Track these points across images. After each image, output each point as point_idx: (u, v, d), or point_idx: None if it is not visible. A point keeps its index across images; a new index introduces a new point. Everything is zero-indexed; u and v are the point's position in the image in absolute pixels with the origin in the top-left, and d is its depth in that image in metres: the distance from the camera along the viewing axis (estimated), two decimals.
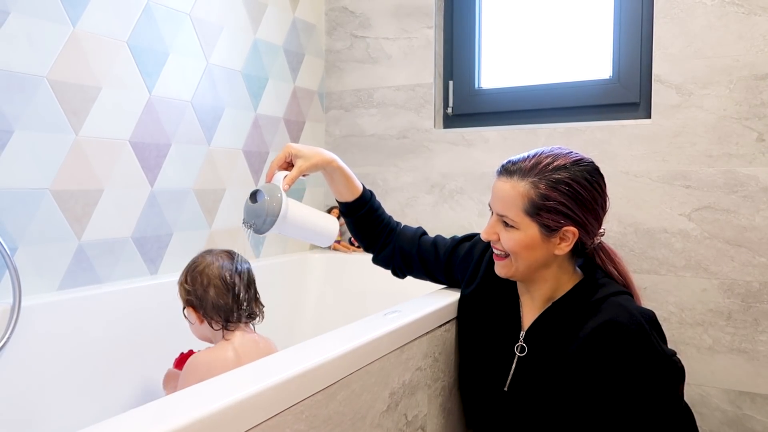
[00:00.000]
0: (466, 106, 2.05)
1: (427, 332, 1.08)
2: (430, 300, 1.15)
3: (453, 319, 1.18)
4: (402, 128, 2.09)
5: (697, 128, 1.62)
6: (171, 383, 1.23)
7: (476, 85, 2.04)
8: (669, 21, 1.65)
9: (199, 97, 1.69)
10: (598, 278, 1.00)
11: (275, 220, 1.02)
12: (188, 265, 1.20)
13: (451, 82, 2.07)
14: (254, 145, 1.91)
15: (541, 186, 0.93)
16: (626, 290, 0.99)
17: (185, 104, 1.65)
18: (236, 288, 1.17)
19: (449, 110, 2.08)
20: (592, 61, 1.87)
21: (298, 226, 1.07)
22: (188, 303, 1.18)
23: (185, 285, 1.18)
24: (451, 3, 2.07)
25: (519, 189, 0.94)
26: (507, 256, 1.00)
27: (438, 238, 1.26)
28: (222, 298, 1.15)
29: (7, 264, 1.17)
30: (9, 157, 1.24)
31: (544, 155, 0.96)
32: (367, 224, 1.25)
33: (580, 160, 0.96)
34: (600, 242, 1.03)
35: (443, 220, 2.02)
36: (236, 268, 1.18)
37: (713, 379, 1.61)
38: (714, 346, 1.61)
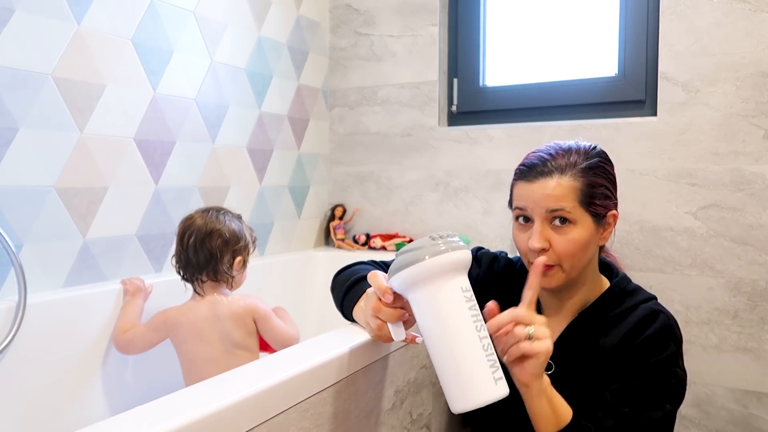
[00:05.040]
0: (471, 104, 2.05)
1: None
2: None
3: None
4: (406, 126, 2.09)
5: (703, 126, 1.61)
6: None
7: (481, 83, 2.04)
8: (675, 18, 1.64)
9: (203, 94, 1.69)
10: (625, 285, 0.97)
11: (418, 264, 0.69)
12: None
13: (455, 80, 2.07)
14: (258, 143, 1.90)
15: (583, 176, 0.90)
16: (653, 295, 0.97)
17: (189, 102, 1.65)
18: (187, 252, 1.27)
19: (454, 108, 2.07)
20: (598, 59, 1.86)
21: (434, 314, 0.70)
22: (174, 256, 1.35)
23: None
24: (455, 0, 2.07)
25: (565, 183, 0.89)
26: (553, 265, 0.90)
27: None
28: (176, 254, 1.30)
29: (13, 261, 1.17)
30: (14, 154, 1.24)
31: (563, 150, 0.93)
32: None
33: (590, 145, 0.96)
34: None
35: (448, 218, 2.02)
36: (195, 235, 1.27)
37: (719, 378, 1.60)
38: (720, 344, 1.60)
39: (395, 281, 0.72)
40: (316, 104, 2.17)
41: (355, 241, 2.12)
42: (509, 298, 1.04)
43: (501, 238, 1.92)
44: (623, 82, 1.79)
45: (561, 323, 0.97)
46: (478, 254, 1.11)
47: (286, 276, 1.92)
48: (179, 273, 1.30)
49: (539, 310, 1.00)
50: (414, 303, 0.72)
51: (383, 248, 2.05)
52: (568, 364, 0.95)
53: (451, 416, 1.16)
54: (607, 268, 1.01)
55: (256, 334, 1.30)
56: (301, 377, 0.73)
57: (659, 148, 1.67)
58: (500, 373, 0.70)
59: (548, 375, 0.93)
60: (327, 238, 2.22)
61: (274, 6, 1.95)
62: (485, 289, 1.05)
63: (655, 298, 0.97)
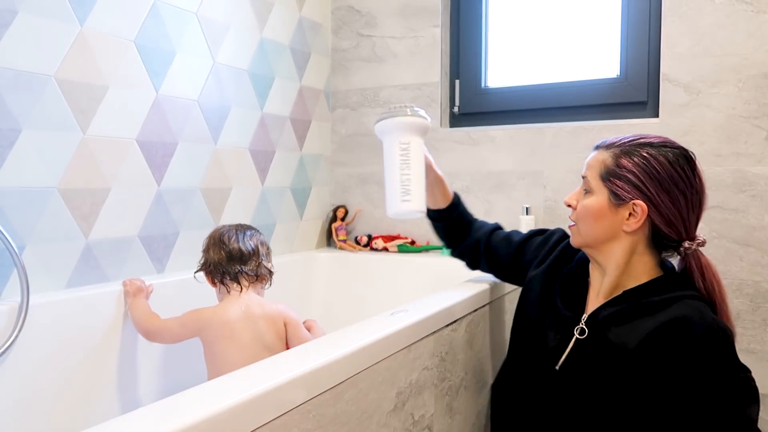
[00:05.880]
0: (473, 105, 2.05)
1: (434, 332, 1.07)
2: (437, 299, 1.15)
3: (460, 318, 1.18)
4: None
5: (705, 127, 1.61)
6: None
7: (483, 84, 2.04)
8: (677, 19, 1.64)
9: (205, 96, 1.69)
10: (678, 279, 0.98)
11: (401, 121, 1.10)
12: None
13: (457, 81, 2.07)
14: (260, 144, 1.91)
15: (619, 156, 0.97)
16: (703, 299, 0.95)
17: (192, 103, 1.65)
18: (231, 247, 1.29)
19: (455, 109, 2.07)
20: (600, 60, 1.86)
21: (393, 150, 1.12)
22: (201, 267, 1.32)
23: (202, 251, 1.33)
24: (457, 2, 2.07)
25: (600, 157, 1.00)
26: (575, 223, 1.04)
27: (513, 232, 1.29)
28: (217, 255, 1.29)
29: (15, 262, 1.17)
30: (17, 155, 1.24)
31: (635, 135, 1.00)
32: (455, 227, 1.31)
33: (668, 142, 0.98)
34: (697, 250, 0.97)
35: None
36: (236, 233, 1.32)
37: None
38: None
39: (377, 128, 1.14)
40: (318, 105, 2.18)
41: (357, 242, 2.12)
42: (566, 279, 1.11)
43: None
44: (625, 84, 1.79)
45: (601, 296, 1.03)
46: (549, 232, 1.23)
47: (288, 277, 1.92)
48: (215, 278, 1.29)
49: (587, 280, 1.07)
50: (383, 143, 1.14)
51: (385, 249, 2.05)
52: (601, 334, 0.98)
53: (453, 418, 1.16)
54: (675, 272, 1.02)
55: (285, 340, 1.29)
56: (303, 378, 0.73)
57: None
58: (409, 197, 1.09)
59: (580, 339, 0.99)
60: (329, 239, 2.23)
61: (277, 7, 1.96)
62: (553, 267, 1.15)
63: (704, 302, 0.95)
